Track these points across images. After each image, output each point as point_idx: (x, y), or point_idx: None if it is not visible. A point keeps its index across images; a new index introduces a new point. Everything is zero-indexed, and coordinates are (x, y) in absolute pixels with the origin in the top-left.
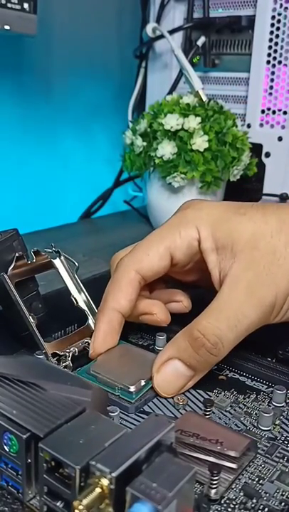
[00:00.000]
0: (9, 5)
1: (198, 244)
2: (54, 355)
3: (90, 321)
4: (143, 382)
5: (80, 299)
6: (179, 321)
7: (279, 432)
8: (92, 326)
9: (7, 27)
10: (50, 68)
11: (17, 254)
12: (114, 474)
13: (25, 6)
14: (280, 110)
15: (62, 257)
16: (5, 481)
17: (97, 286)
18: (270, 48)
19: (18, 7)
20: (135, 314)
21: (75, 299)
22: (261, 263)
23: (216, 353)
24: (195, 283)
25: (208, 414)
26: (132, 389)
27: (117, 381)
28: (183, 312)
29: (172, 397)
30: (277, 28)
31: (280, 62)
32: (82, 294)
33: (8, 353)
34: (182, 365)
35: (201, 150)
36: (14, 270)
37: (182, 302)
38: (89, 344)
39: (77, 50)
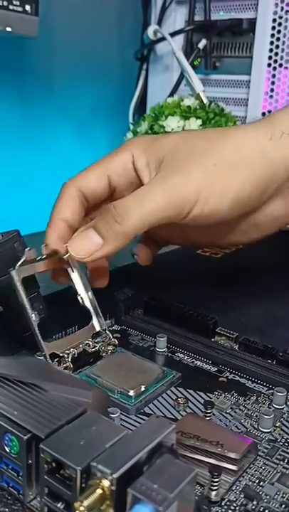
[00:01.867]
0: (11, 7)
1: (133, 166)
2: (53, 355)
3: (94, 321)
4: (143, 388)
5: (86, 298)
6: (180, 321)
7: (279, 434)
8: (96, 326)
9: (9, 29)
10: (51, 70)
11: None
12: (115, 475)
13: (27, 8)
14: None
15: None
16: (5, 482)
17: (97, 287)
18: (271, 50)
19: (19, 9)
20: None
21: (81, 297)
22: (180, 160)
23: (120, 221)
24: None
25: (209, 416)
26: (132, 393)
27: (117, 385)
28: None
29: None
30: (278, 31)
31: (280, 65)
32: (89, 293)
33: (8, 354)
34: (94, 232)
35: None
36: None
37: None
38: (89, 345)
39: (78, 53)
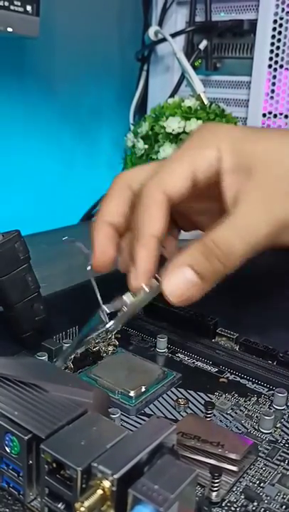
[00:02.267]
0: (12, 7)
1: (218, 165)
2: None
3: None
4: (143, 389)
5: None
6: (180, 322)
7: (280, 435)
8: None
9: (10, 29)
10: (52, 70)
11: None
12: (116, 476)
13: (28, 8)
14: (281, 114)
15: None
16: (6, 482)
17: (98, 288)
18: (271, 51)
19: (20, 9)
20: None
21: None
22: (276, 182)
23: (225, 261)
24: (195, 221)
25: (209, 417)
26: (132, 393)
27: (118, 385)
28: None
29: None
30: (279, 32)
31: (281, 66)
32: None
33: (9, 355)
34: (192, 272)
35: None
36: None
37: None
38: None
39: (79, 53)
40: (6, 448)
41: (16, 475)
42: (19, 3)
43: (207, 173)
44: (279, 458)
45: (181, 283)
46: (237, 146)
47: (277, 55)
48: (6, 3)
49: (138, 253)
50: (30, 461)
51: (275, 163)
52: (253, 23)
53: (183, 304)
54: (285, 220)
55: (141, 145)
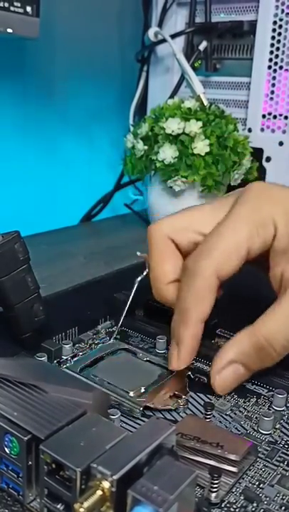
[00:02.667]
0: (12, 8)
1: (271, 242)
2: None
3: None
4: (143, 389)
5: None
6: None
7: (279, 436)
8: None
9: (10, 30)
10: (52, 71)
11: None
12: (115, 477)
13: (28, 9)
14: (281, 115)
15: None
16: (5, 483)
17: (98, 289)
18: (271, 52)
19: (20, 10)
20: None
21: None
22: None
23: (277, 357)
24: None
25: (209, 418)
26: (132, 394)
27: (117, 386)
28: None
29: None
30: (279, 34)
31: (281, 67)
32: None
33: (8, 355)
34: (243, 368)
35: (202, 154)
36: None
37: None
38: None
39: (79, 54)
40: (6, 449)
41: (15, 476)
42: (19, 4)
43: (260, 250)
44: (278, 459)
45: (230, 378)
46: None
47: (276, 56)
48: (6, 4)
49: (185, 337)
50: (30, 462)
51: None
52: (253, 24)
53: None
54: None
55: (140, 146)
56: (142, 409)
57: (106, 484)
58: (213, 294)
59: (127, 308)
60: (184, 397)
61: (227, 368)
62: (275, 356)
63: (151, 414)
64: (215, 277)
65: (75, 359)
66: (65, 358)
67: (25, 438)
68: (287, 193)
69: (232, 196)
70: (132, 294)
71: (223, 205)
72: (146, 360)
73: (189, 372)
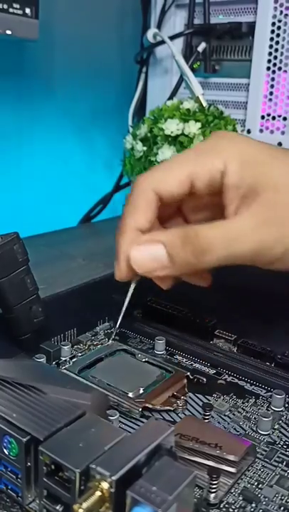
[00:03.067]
0: (11, 10)
1: (220, 178)
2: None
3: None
4: (141, 390)
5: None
6: (178, 323)
7: (278, 437)
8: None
9: (9, 32)
10: (51, 73)
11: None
12: (114, 478)
13: (27, 11)
14: (279, 116)
15: None
16: (4, 484)
17: (96, 290)
18: (270, 54)
19: (20, 12)
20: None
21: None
22: (280, 209)
23: (198, 256)
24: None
25: (208, 419)
26: (131, 395)
27: (116, 387)
28: (203, 286)
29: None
30: (278, 35)
31: (280, 69)
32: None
33: (7, 357)
34: (164, 251)
35: None
36: None
37: (204, 276)
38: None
39: (78, 56)
40: (5, 450)
41: (14, 477)
42: (18, 6)
43: (207, 183)
44: (277, 459)
45: (149, 256)
46: (248, 165)
47: (275, 57)
48: (5, 6)
49: (121, 244)
50: (29, 463)
51: (283, 187)
52: (252, 26)
53: (142, 274)
54: (271, 245)
55: (140, 147)
56: (140, 410)
57: (105, 485)
58: (150, 206)
59: (124, 309)
60: (182, 397)
61: (151, 242)
62: (197, 250)
63: (150, 415)
64: (151, 191)
65: (74, 360)
66: (63, 359)
67: (24, 439)
68: (248, 140)
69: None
70: (129, 296)
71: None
72: (145, 361)
73: (188, 373)
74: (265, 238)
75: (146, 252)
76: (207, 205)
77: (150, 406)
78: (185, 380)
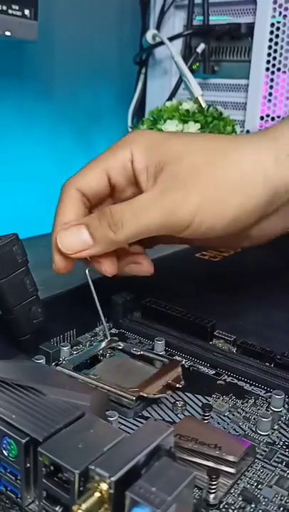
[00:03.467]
0: (10, 11)
1: (131, 166)
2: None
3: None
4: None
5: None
6: (178, 324)
7: (277, 437)
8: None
9: (8, 33)
10: (50, 74)
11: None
12: (113, 479)
13: (26, 12)
14: (278, 117)
15: None
16: (3, 485)
17: (96, 291)
18: (269, 55)
19: (19, 13)
20: (121, 266)
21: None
22: (181, 175)
23: (115, 229)
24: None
25: (207, 419)
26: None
27: (115, 388)
28: (144, 275)
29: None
30: (277, 36)
31: (279, 69)
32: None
33: (6, 358)
34: (86, 232)
35: None
36: None
37: (142, 265)
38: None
39: (77, 56)
40: (4, 451)
41: (13, 478)
42: (17, 7)
43: (122, 173)
44: (276, 460)
45: (74, 237)
46: (152, 147)
47: (274, 58)
48: (4, 7)
49: (52, 239)
50: (28, 464)
51: (184, 159)
52: (251, 27)
53: (73, 257)
54: (177, 211)
55: None
56: (135, 398)
57: (104, 486)
58: (75, 203)
59: (96, 298)
60: (178, 385)
61: (74, 225)
62: (112, 224)
63: (148, 415)
64: (73, 189)
65: (70, 357)
66: (63, 360)
67: (24, 440)
68: (153, 131)
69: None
70: (91, 284)
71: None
72: (140, 355)
73: (184, 361)
74: (169, 205)
75: (70, 234)
76: (135, 195)
77: (145, 395)
78: (180, 369)
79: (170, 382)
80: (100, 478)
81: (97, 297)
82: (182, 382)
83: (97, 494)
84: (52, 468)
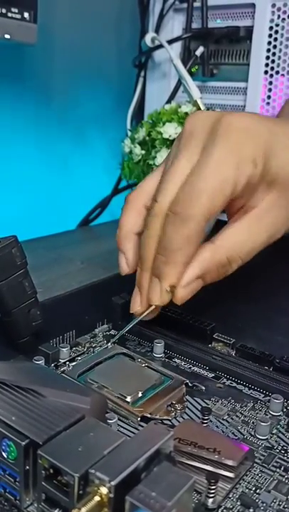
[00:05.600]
0: (10, 14)
1: (252, 180)
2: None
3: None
4: (140, 394)
5: None
6: (177, 327)
7: (276, 441)
8: None
9: (7, 36)
10: (49, 77)
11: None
12: (113, 483)
13: (26, 15)
14: None
15: None
16: (2, 487)
17: (95, 293)
18: (267, 58)
19: (18, 16)
20: None
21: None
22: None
23: (227, 269)
24: None
25: (206, 423)
26: (129, 399)
27: (114, 390)
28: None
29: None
30: (275, 39)
31: (277, 73)
32: None
33: (6, 359)
34: (202, 282)
35: None
36: None
37: None
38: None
39: (76, 59)
40: (3, 453)
41: (12, 480)
42: (17, 10)
43: (243, 189)
44: (275, 464)
45: (192, 291)
46: (268, 158)
47: (273, 61)
48: (4, 10)
49: (171, 274)
50: (27, 467)
51: None
52: (250, 30)
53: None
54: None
55: (138, 151)
56: (139, 419)
57: (104, 490)
58: (202, 237)
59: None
60: (181, 405)
61: (192, 283)
62: (230, 271)
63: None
64: (205, 222)
65: (73, 364)
66: (62, 361)
67: (23, 443)
68: (264, 126)
69: (199, 137)
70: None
71: (194, 151)
72: (144, 365)
73: (187, 381)
74: (277, 232)
75: (191, 291)
76: None
77: (148, 415)
78: (184, 388)
79: (174, 402)
80: (100, 482)
81: (97, 299)
82: (186, 403)
83: (96, 498)
84: (51, 471)
